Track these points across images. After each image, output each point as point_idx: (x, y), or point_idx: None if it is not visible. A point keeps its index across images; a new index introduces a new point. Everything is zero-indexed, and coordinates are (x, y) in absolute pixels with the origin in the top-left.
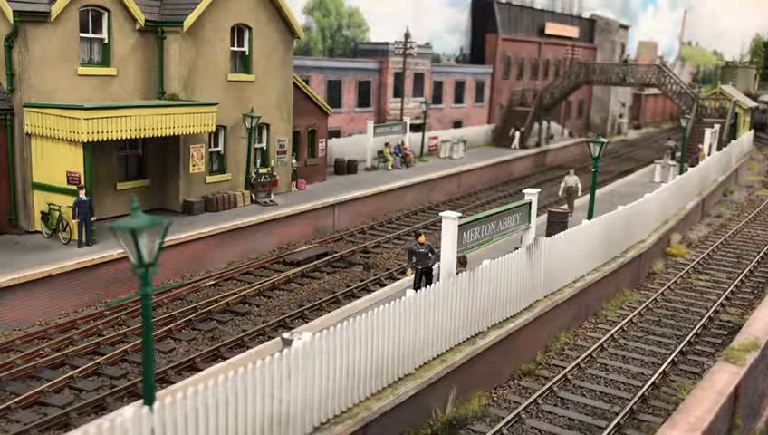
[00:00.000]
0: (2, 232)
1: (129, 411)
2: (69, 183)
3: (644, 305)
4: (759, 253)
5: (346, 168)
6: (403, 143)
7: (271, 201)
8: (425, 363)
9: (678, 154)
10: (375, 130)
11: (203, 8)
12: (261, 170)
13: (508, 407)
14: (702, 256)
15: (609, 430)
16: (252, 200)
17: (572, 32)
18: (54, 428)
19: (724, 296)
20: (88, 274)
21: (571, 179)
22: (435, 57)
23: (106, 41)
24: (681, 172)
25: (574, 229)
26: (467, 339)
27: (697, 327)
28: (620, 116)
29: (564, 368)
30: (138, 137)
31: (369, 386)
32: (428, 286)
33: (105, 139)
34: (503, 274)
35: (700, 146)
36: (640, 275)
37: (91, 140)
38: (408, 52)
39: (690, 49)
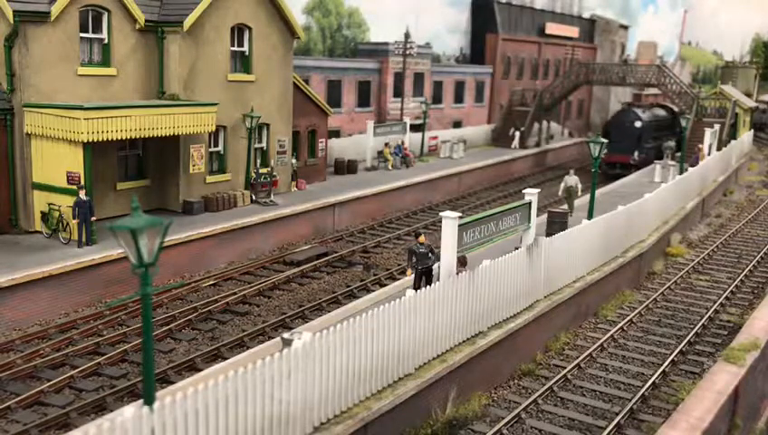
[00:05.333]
0: (2, 232)
1: (129, 411)
2: (69, 183)
3: (644, 305)
4: (759, 253)
5: (346, 168)
6: (403, 143)
7: (271, 201)
8: (425, 363)
9: (678, 154)
10: (375, 130)
11: (203, 8)
12: (261, 170)
13: (508, 407)
14: (702, 256)
15: (609, 429)
16: (252, 200)
17: (572, 32)
18: (54, 428)
19: (724, 296)
20: (88, 274)
21: (571, 179)
22: (435, 57)
23: (106, 41)
24: (681, 172)
25: (574, 229)
26: (467, 339)
27: (697, 327)
28: None
29: (564, 368)
30: (138, 137)
31: (369, 386)
32: (428, 286)
33: (105, 139)
34: (503, 274)
35: (700, 146)
36: (640, 275)
37: (90, 140)
38: (408, 52)
39: (690, 49)
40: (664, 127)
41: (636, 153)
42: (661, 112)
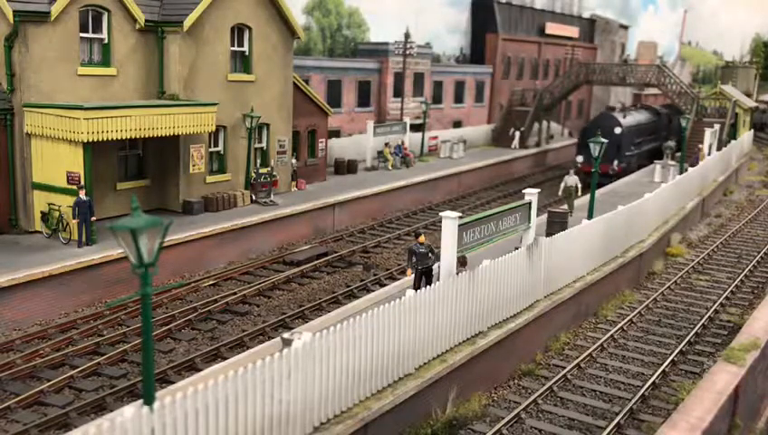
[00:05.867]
0: (2, 232)
1: (129, 411)
2: (69, 183)
3: (644, 305)
4: (759, 253)
5: (346, 168)
6: (403, 143)
7: (271, 201)
8: (425, 363)
9: (678, 154)
10: (375, 130)
11: (203, 8)
12: (261, 170)
13: (508, 407)
14: (702, 256)
15: (609, 429)
16: (252, 200)
17: (572, 32)
18: (54, 428)
19: (724, 296)
20: (88, 274)
21: (571, 179)
22: (435, 57)
23: (106, 41)
24: (681, 172)
25: (574, 229)
26: (467, 339)
27: (697, 327)
28: None
29: (564, 368)
30: (138, 137)
31: (369, 386)
32: (428, 286)
33: (105, 139)
34: (503, 274)
35: (700, 146)
36: (640, 275)
37: (90, 140)
38: (408, 52)
39: (690, 49)
40: (648, 131)
41: (615, 162)
42: (645, 115)
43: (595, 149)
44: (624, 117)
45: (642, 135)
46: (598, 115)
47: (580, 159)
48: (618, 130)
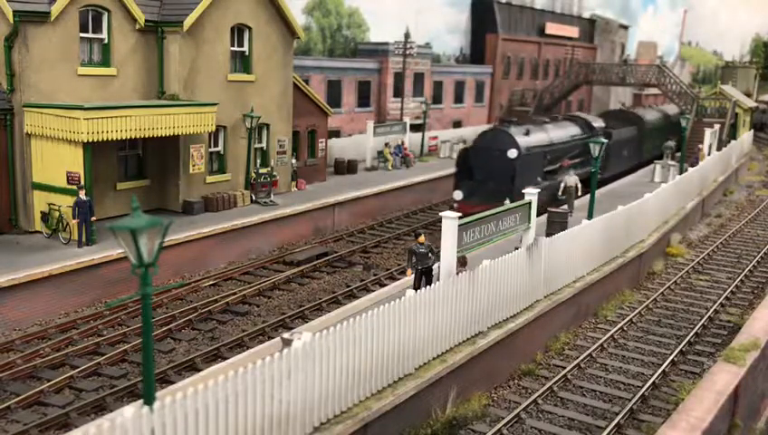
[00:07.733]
0: (2, 232)
1: (129, 411)
2: (69, 183)
3: (644, 305)
4: (759, 253)
5: (346, 168)
6: (403, 143)
7: (271, 201)
8: (425, 363)
9: (678, 154)
10: (375, 130)
11: (203, 8)
12: (261, 170)
13: (508, 407)
14: (702, 256)
15: (609, 430)
16: (252, 200)
17: (572, 32)
18: (54, 428)
19: (724, 296)
20: (88, 274)
21: (571, 179)
22: (435, 57)
23: (106, 41)
24: (681, 172)
25: (574, 229)
26: (467, 339)
27: (697, 327)
28: None
29: (564, 368)
30: (138, 137)
31: (369, 386)
32: (428, 286)
33: (105, 139)
34: (503, 274)
35: (700, 146)
36: (640, 275)
37: (90, 140)
38: (408, 52)
39: (690, 49)
40: (571, 155)
41: (508, 200)
42: (564, 131)
43: (595, 149)
44: (526, 134)
45: (557, 161)
46: (486, 130)
47: (458, 195)
48: (512, 154)
